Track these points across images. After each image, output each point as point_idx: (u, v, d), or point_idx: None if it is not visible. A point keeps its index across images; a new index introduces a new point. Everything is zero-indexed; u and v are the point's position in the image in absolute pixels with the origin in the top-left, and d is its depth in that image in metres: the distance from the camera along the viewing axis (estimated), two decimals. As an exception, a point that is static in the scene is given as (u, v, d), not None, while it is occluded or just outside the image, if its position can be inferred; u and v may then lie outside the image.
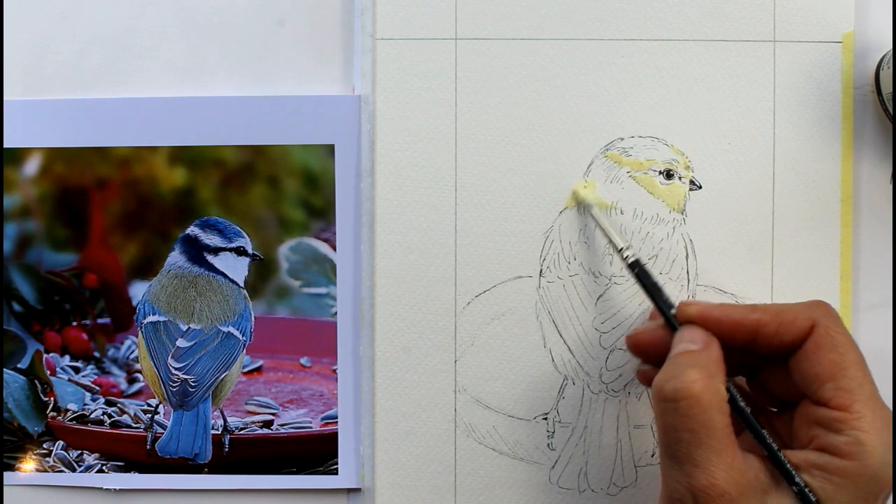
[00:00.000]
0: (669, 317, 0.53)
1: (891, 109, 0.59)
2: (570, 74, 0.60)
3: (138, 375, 0.61)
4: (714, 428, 0.48)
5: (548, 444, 0.60)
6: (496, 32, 0.59)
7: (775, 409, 0.54)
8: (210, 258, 0.60)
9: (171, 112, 0.60)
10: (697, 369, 0.49)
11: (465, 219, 0.60)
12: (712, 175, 0.60)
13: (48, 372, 0.61)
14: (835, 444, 0.48)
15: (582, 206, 0.59)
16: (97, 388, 0.61)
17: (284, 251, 0.61)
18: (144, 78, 0.60)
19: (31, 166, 0.60)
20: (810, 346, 0.50)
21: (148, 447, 0.61)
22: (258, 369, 0.61)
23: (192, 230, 0.60)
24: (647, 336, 0.54)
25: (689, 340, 0.52)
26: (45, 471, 0.61)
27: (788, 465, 0.49)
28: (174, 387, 0.60)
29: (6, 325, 0.61)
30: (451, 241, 0.60)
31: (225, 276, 0.61)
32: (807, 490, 0.48)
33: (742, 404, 0.51)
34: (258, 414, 0.61)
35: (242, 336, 0.61)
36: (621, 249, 0.56)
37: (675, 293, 0.60)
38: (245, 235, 0.61)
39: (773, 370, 0.53)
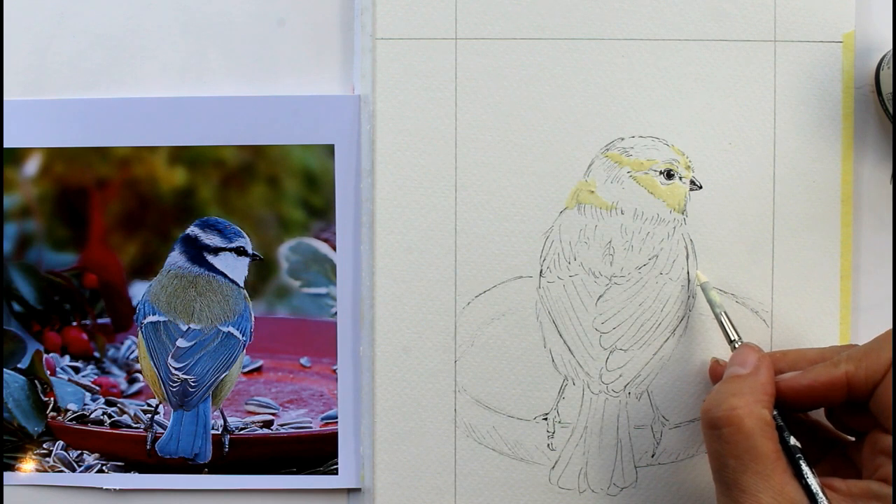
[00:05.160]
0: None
1: (891, 109, 0.59)
2: (570, 74, 0.60)
3: (138, 375, 0.61)
4: (759, 454, 0.48)
5: (548, 445, 0.60)
6: (496, 32, 0.59)
7: (853, 439, 0.54)
8: (210, 258, 0.60)
9: (171, 112, 0.60)
10: (740, 396, 0.49)
11: (465, 219, 0.60)
12: (713, 175, 0.60)
13: (48, 372, 0.61)
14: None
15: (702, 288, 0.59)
16: (97, 388, 0.61)
17: (284, 251, 0.61)
18: (144, 78, 0.60)
19: (32, 166, 0.60)
20: (889, 378, 0.49)
21: (148, 447, 0.61)
22: (258, 369, 0.61)
23: (192, 230, 0.60)
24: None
25: (739, 363, 0.52)
26: (45, 471, 0.61)
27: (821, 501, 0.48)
28: (174, 387, 0.60)
29: (6, 325, 0.61)
30: (451, 241, 0.60)
31: (225, 276, 0.61)
32: None
33: (786, 435, 0.50)
34: (258, 414, 0.61)
35: (242, 336, 0.61)
36: (733, 341, 0.56)
37: (676, 293, 0.60)
38: (245, 235, 0.61)
39: (850, 402, 0.52)
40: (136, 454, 0.61)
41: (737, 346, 0.55)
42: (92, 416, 0.61)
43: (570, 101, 0.60)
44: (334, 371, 0.61)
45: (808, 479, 0.49)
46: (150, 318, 0.61)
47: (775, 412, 0.50)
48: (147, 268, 0.61)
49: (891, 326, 0.52)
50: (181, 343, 0.61)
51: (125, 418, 0.61)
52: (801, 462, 0.49)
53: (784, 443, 0.50)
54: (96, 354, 0.61)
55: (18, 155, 0.60)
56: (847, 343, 0.59)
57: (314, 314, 0.61)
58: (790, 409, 0.52)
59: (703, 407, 0.51)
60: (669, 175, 0.59)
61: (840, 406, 0.52)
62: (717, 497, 0.50)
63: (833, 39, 0.60)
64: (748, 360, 0.52)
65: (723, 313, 0.57)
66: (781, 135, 0.60)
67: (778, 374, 0.52)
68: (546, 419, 0.60)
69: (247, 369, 0.61)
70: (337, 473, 0.61)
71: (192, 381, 0.60)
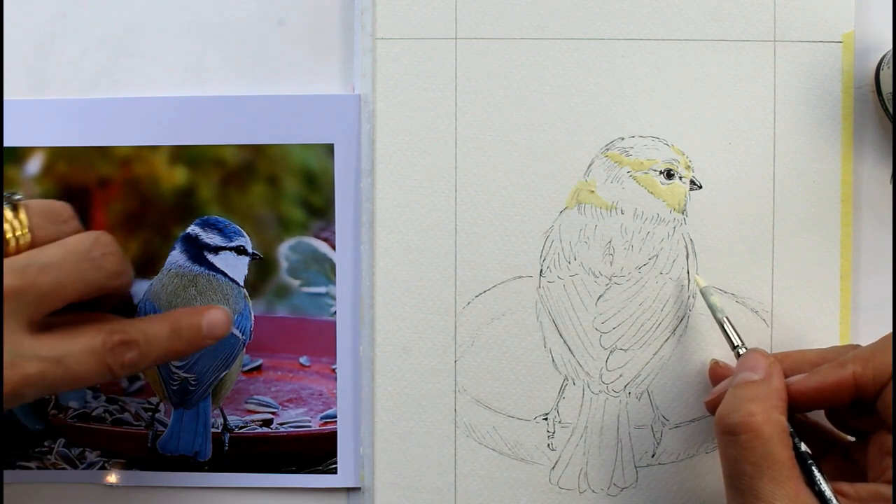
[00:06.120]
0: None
1: (891, 109, 0.58)
2: (570, 74, 0.60)
3: (139, 373, 0.61)
4: (776, 460, 0.48)
5: (548, 445, 0.60)
6: (496, 32, 0.60)
7: (853, 439, 0.54)
8: (210, 257, 0.61)
9: (172, 112, 0.60)
10: (757, 402, 0.49)
11: (465, 219, 0.60)
12: (713, 175, 0.60)
13: (50, 370, 0.62)
14: None
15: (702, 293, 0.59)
16: (98, 385, 0.61)
17: (284, 250, 0.61)
18: (145, 78, 0.61)
19: (34, 165, 0.60)
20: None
21: (149, 445, 0.61)
22: (258, 368, 0.61)
23: (193, 229, 0.61)
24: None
25: (750, 369, 0.52)
26: (47, 468, 0.61)
27: None
28: (174, 385, 0.60)
29: (9, 324, 0.61)
30: (451, 241, 0.60)
31: (225, 275, 0.61)
32: None
33: (797, 441, 0.50)
34: (258, 413, 0.61)
35: (242, 335, 0.61)
36: (737, 346, 0.56)
37: (676, 293, 0.59)
38: (245, 234, 0.61)
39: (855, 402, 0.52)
40: (137, 452, 0.61)
41: (741, 351, 0.55)
42: (93, 413, 0.61)
43: (570, 101, 0.60)
44: (333, 370, 0.61)
45: (821, 486, 0.48)
46: (151, 317, 0.61)
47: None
48: (148, 267, 0.61)
49: (891, 326, 0.51)
50: (182, 342, 0.61)
51: (126, 416, 0.61)
52: (814, 468, 0.49)
53: (795, 449, 0.50)
54: (98, 353, 0.62)
55: (20, 154, 0.60)
56: (847, 343, 0.59)
57: (314, 313, 0.61)
58: (795, 410, 0.52)
59: (718, 412, 0.50)
60: (669, 175, 0.59)
61: (844, 406, 0.52)
62: (729, 503, 0.50)
63: (833, 39, 0.60)
64: (759, 366, 0.52)
65: (725, 319, 0.56)
66: (781, 135, 0.60)
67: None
68: (546, 419, 0.60)
69: (246, 368, 0.61)
70: (336, 472, 0.61)
71: (193, 380, 0.60)
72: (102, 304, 0.54)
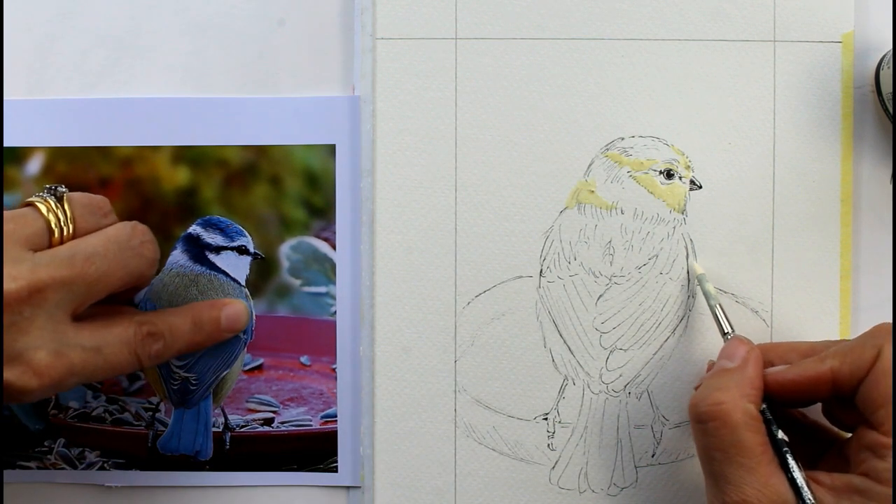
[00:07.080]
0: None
1: (891, 109, 0.58)
2: (570, 74, 0.60)
3: (139, 373, 0.61)
4: (744, 447, 0.49)
5: (548, 445, 0.60)
6: (496, 32, 0.60)
7: (849, 435, 0.54)
8: (212, 257, 0.61)
9: (174, 112, 0.60)
10: (726, 391, 0.50)
11: (465, 219, 0.60)
12: (713, 175, 0.60)
13: (51, 370, 0.62)
14: (877, 470, 0.48)
15: (696, 280, 0.59)
16: (99, 385, 0.61)
17: (285, 250, 0.61)
18: (146, 78, 0.61)
19: (34, 165, 0.60)
20: (874, 373, 0.50)
21: (149, 445, 0.61)
22: (259, 367, 0.61)
23: (195, 229, 0.61)
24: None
25: (727, 357, 0.53)
26: (47, 468, 0.61)
27: (806, 496, 0.49)
28: (175, 385, 0.60)
29: (9, 323, 0.62)
30: (451, 241, 0.60)
31: (226, 274, 0.61)
32: None
33: (774, 429, 0.51)
34: (259, 412, 0.61)
35: (243, 334, 0.61)
36: (726, 333, 0.56)
37: (676, 293, 0.60)
38: (247, 234, 0.61)
39: (840, 397, 0.52)
40: (137, 451, 0.61)
41: (728, 338, 0.55)
42: (93, 413, 0.61)
43: (570, 101, 0.60)
44: (333, 370, 0.61)
45: (793, 472, 0.49)
46: (152, 317, 0.61)
47: (764, 406, 0.51)
48: (148, 266, 0.61)
49: (880, 322, 0.52)
50: (182, 341, 0.61)
51: (126, 416, 0.61)
52: (788, 455, 0.50)
53: (772, 436, 0.50)
54: (98, 352, 0.62)
55: (20, 154, 0.60)
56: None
57: (314, 313, 0.61)
58: (780, 403, 0.52)
59: (690, 401, 0.52)
60: (669, 175, 0.60)
61: (832, 401, 0.53)
62: (706, 489, 0.51)
63: (832, 39, 0.60)
64: (737, 354, 0.53)
65: (717, 305, 0.57)
66: (781, 135, 0.60)
67: (768, 366, 0.53)
68: (546, 419, 0.60)
69: (248, 367, 0.61)
70: (337, 471, 0.61)
71: (193, 380, 0.60)
72: (120, 296, 0.55)
